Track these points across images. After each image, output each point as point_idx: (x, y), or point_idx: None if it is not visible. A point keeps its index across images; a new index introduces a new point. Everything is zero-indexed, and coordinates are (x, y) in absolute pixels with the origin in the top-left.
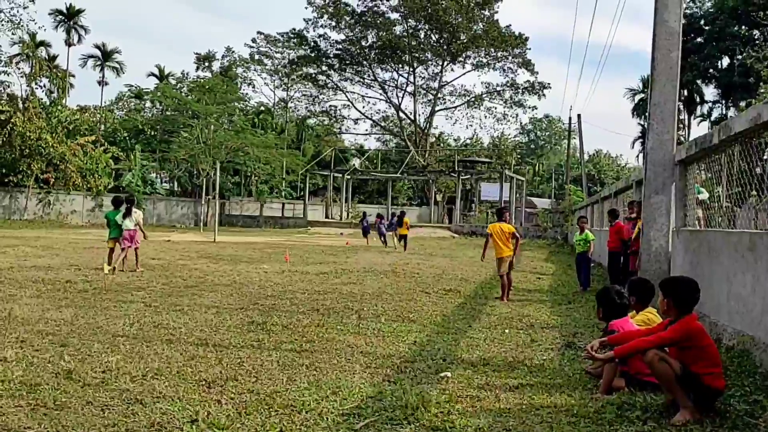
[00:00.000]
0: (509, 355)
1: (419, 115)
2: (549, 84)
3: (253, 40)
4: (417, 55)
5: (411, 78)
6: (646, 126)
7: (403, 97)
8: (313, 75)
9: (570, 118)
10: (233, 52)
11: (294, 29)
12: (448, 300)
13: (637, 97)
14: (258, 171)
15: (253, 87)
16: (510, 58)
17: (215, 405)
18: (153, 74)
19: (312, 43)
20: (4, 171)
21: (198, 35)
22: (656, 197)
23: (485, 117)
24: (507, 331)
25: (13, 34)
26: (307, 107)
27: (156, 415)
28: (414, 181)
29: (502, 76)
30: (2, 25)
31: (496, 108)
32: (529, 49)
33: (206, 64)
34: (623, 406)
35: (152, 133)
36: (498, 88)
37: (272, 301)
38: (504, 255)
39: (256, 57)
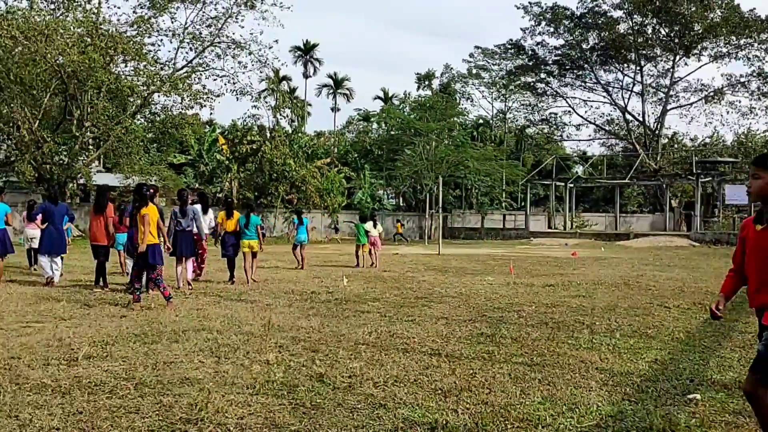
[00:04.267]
0: None
1: (648, 115)
2: None
3: (471, 55)
4: (644, 52)
5: (638, 77)
6: None
7: (629, 98)
8: (532, 83)
9: None
10: (451, 68)
11: (511, 40)
12: (691, 315)
13: None
14: (478, 183)
15: (472, 101)
16: (756, 44)
17: (452, 414)
18: (378, 97)
19: (529, 52)
20: (256, 194)
21: (418, 56)
22: None
23: (727, 112)
24: None
25: (261, 72)
26: (525, 116)
27: (399, 421)
28: (645, 186)
29: (746, 65)
30: (252, 65)
31: (740, 102)
32: None
33: (426, 82)
34: None
35: (379, 153)
36: (742, 80)
37: (499, 313)
38: None
39: (474, 71)
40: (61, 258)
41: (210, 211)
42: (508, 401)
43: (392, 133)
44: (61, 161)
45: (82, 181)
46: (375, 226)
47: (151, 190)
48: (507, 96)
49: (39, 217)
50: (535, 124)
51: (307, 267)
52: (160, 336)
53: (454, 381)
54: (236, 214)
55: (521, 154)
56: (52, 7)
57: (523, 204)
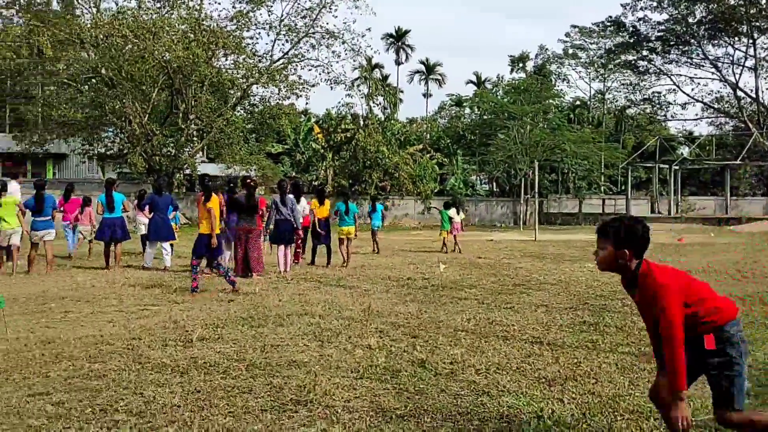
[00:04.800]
0: None
1: (762, 91)
2: None
3: (567, 35)
4: (757, 23)
5: (750, 51)
6: None
7: (741, 74)
8: (633, 62)
9: None
10: (546, 49)
11: (610, 17)
12: None
13: None
14: (575, 167)
15: (568, 82)
16: None
17: (558, 403)
18: (471, 81)
19: (630, 29)
20: (351, 182)
21: (512, 38)
22: None
23: None
24: None
25: (354, 60)
26: (626, 96)
27: (503, 408)
28: (758, 167)
29: None
30: (346, 53)
31: None
32: None
33: (520, 65)
34: None
35: (471, 138)
36: None
37: (602, 301)
38: None
39: (570, 51)
40: (171, 245)
41: (302, 199)
42: (616, 392)
43: (485, 117)
44: (169, 153)
45: (187, 171)
46: (458, 212)
47: (248, 181)
48: (606, 76)
49: (146, 207)
50: (637, 104)
51: (390, 253)
52: (266, 320)
53: (558, 370)
54: (327, 202)
55: (621, 136)
56: (159, 5)
57: (623, 188)
